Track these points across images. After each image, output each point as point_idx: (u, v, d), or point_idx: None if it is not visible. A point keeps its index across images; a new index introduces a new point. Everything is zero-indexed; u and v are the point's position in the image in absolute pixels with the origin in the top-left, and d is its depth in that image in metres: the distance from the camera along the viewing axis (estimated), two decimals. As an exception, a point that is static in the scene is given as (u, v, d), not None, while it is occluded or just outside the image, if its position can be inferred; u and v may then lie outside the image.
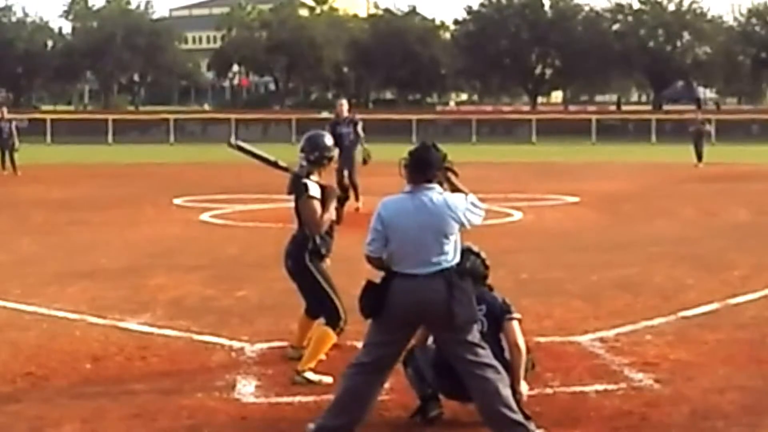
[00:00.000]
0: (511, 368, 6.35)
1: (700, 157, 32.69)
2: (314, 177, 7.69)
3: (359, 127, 18.75)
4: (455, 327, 5.93)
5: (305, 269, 7.67)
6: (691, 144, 33.53)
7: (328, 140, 7.83)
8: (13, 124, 29.76)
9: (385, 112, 60.98)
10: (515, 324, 6.55)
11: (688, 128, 34.53)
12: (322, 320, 7.82)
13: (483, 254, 6.75)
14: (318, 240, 7.65)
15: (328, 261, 7.78)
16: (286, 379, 7.43)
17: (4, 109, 30.80)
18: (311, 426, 6.11)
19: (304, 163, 7.71)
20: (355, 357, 6.23)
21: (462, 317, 5.90)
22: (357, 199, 18.06)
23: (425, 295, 5.88)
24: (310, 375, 7.37)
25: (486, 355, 6.02)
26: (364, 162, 18.28)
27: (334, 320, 7.58)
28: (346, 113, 19.03)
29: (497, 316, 6.55)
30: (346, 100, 20.20)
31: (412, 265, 5.93)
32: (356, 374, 6.07)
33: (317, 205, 7.51)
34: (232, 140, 7.98)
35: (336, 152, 7.97)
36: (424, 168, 6.03)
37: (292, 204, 7.79)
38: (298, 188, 7.64)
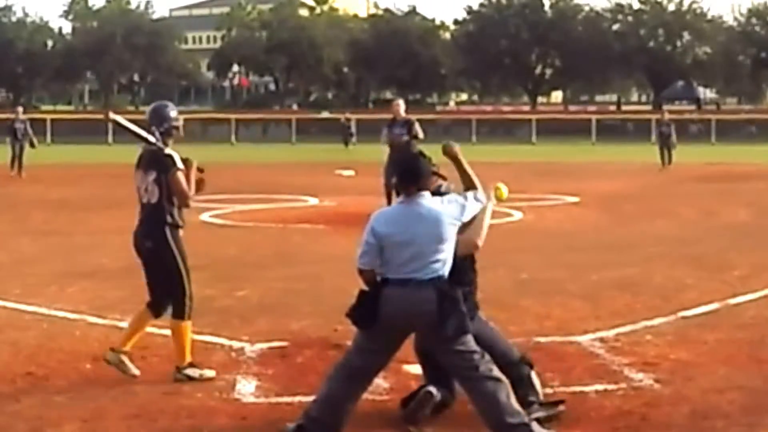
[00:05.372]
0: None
1: (669, 159, 31.31)
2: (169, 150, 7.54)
3: (417, 127, 16.88)
4: (445, 337, 5.93)
5: (166, 248, 7.49)
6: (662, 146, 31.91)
7: (172, 111, 7.67)
8: (27, 124, 29.41)
9: (386, 112, 60.72)
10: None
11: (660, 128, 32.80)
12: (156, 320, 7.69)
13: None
14: (176, 212, 7.53)
15: (181, 232, 7.64)
16: (286, 379, 7.42)
17: (20, 109, 30.52)
18: (290, 426, 6.11)
19: (157, 135, 7.56)
20: (343, 358, 6.22)
21: (452, 328, 5.90)
22: None
23: (416, 305, 5.88)
24: (190, 371, 7.34)
25: (479, 361, 5.98)
26: None
27: (181, 309, 7.39)
28: (402, 113, 17.24)
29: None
30: (402, 100, 18.24)
31: (405, 272, 5.94)
32: (342, 377, 6.05)
33: (184, 177, 7.47)
34: (111, 115, 7.88)
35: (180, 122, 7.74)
36: (414, 178, 6.08)
37: (146, 180, 7.63)
38: (162, 162, 7.47)
